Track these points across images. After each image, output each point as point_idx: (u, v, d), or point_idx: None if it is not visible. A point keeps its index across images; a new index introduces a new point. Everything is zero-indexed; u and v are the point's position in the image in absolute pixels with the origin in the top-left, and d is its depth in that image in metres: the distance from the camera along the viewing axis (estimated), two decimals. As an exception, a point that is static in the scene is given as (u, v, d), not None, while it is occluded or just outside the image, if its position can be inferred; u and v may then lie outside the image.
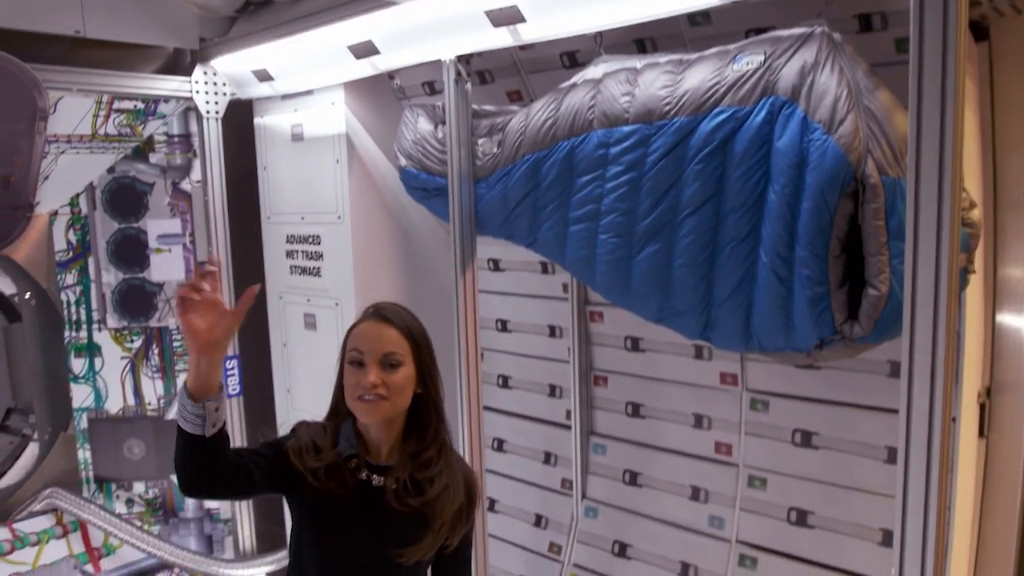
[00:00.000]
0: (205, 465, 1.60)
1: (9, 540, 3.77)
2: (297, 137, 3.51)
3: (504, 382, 3.64)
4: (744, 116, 2.07)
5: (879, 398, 2.48)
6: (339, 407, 1.82)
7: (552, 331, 3.41)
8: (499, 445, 3.65)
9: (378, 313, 1.77)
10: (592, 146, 2.41)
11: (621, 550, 3.14)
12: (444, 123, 2.79)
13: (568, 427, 3.35)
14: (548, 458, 3.47)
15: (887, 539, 2.43)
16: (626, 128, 2.30)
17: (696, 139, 2.16)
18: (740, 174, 2.10)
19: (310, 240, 3.55)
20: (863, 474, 2.53)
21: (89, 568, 3.82)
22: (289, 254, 3.68)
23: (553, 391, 3.45)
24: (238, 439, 3.90)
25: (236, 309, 1.58)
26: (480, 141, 2.77)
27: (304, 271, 3.62)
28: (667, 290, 2.33)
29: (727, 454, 2.87)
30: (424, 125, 2.91)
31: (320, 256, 3.53)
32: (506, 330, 3.60)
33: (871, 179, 1.89)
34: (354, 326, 1.80)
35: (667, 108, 2.21)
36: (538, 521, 3.46)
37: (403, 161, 2.98)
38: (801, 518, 2.67)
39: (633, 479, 3.15)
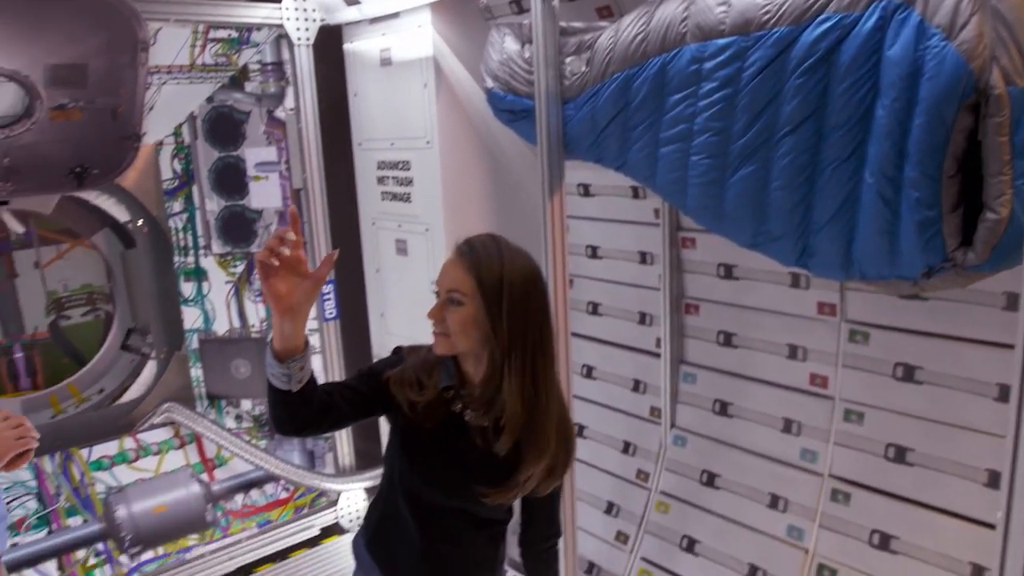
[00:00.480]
0: (294, 415, 1.66)
1: (134, 449, 4.09)
2: (385, 62, 3.48)
3: (594, 309, 3.60)
4: (852, 23, 1.90)
5: (991, 332, 2.31)
6: None
7: (643, 258, 3.33)
8: (588, 372, 3.64)
9: (458, 247, 1.72)
10: (685, 61, 2.28)
11: (709, 479, 3.11)
12: (531, 42, 2.70)
13: (658, 355, 3.30)
14: (637, 386, 3.44)
15: (994, 480, 2.29)
16: (721, 41, 2.16)
17: (797, 50, 2.00)
18: (845, 88, 1.94)
19: (400, 166, 3.56)
20: (970, 411, 2.37)
21: (204, 477, 4.10)
22: (380, 180, 3.71)
23: (643, 319, 3.39)
24: (335, 362, 4.05)
25: (316, 273, 1.55)
26: (568, 60, 2.67)
27: (395, 197, 3.65)
28: (762, 214, 2.22)
29: (822, 386, 2.75)
30: (511, 45, 2.82)
31: (410, 182, 3.55)
32: (596, 256, 3.54)
33: (995, 90, 1.70)
34: None
35: (766, 17, 2.05)
36: (626, 448, 3.46)
37: (489, 83, 2.91)
38: (900, 455, 2.55)
39: (723, 409, 3.09)
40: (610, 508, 3.47)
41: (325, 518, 4.16)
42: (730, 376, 3.08)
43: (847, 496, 2.67)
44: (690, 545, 3.12)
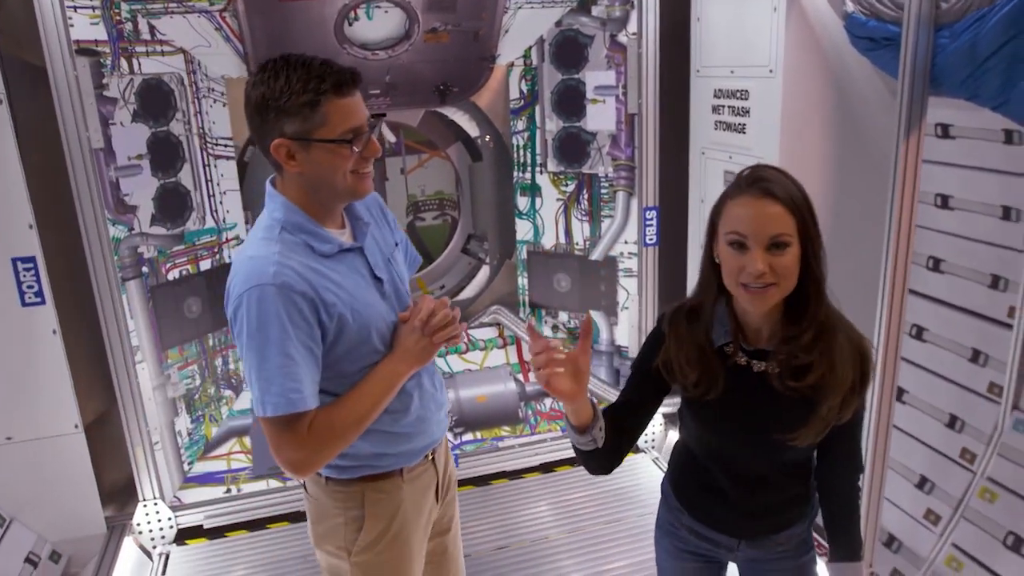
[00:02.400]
0: (603, 464, 1.76)
1: (465, 342, 4.60)
2: (732, -17, 3.36)
3: (934, 265, 3.24)
4: None
5: None
6: (710, 283, 1.70)
7: (1006, 213, 2.90)
8: (918, 333, 3.31)
9: (759, 185, 1.56)
10: (1106, -21, 1.92)
11: (1056, 476, 2.71)
12: (905, -41, 2.43)
13: (1008, 326, 2.89)
14: (976, 357, 3.06)
15: None
16: None
17: None
18: None
19: (737, 95, 3.46)
20: None
21: (520, 377, 4.50)
22: (715, 109, 3.64)
23: (996, 283, 2.98)
24: (649, 287, 4.14)
25: (581, 350, 1.57)
26: (949, -20, 2.36)
27: (728, 127, 3.56)
28: None
29: None
30: (880, -37, 2.57)
31: (746, 112, 3.43)
32: (946, 207, 3.16)
33: None
34: (729, 197, 1.61)
35: None
36: (952, 423, 3.12)
37: (850, 6, 2.69)
38: None
39: (1088, 399, 2.65)
40: (923, 483, 3.18)
41: (625, 434, 4.36)
42: (1103, 363, 2.62)
43: None
44: (1016, 544, 2.76)
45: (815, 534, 2.03)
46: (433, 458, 2.06)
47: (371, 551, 1.93)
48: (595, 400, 1.70)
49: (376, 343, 1.81)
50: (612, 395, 4.33)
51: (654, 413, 1.86)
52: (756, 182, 1.57)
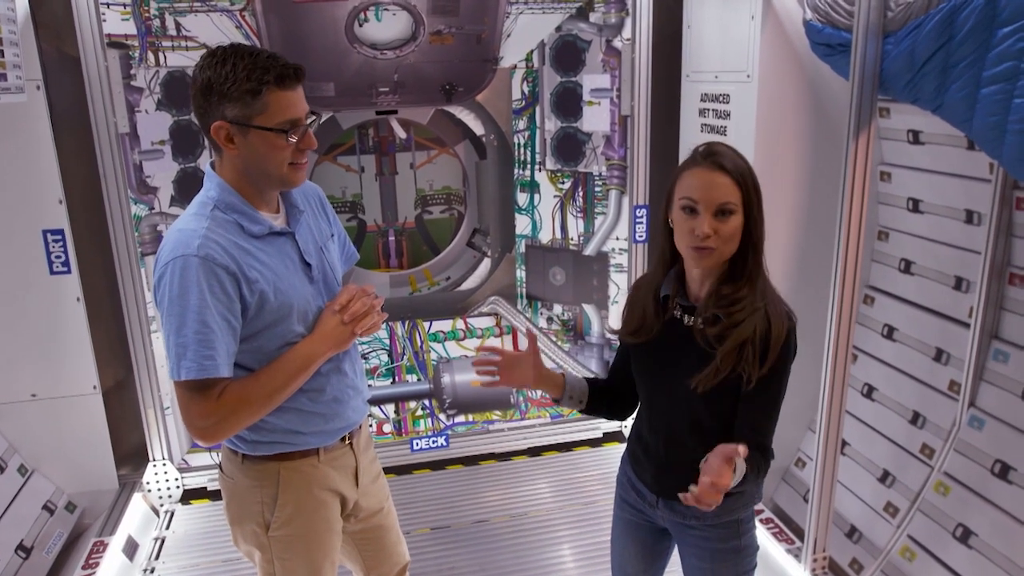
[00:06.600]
0: (601, 414, 2.16)
1: (463, 330, 4.81)
2: (718, -9, 3.52)
3: (906, 267, 3.34)
4: None
5: None
6: (663, 246, 1.90)
7: (969, 216, 3.00)
8: (888, 332, 3.41)
9: (712, 159, 1.77)
10: (1021, -11, 2.04)
11: (1003, 471, 2.78)
12: (856, -30, 2.57)
13: (967, 326, 2.98)
14: (939, 355, 3.15)
15: None
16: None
17: None
18: None
19: (720, 99, 3.61)
20: None
21: (514, 365, 4.68)
22: (701, 112, 3.79)
23: (959, 284, 3.07)
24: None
25: (529, 352, 1.99)
26: (894, -11, 2.49)
27: (712, 129, 3.71)
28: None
29: None
30: (835, -26, 2.71)
31: (727, 115, 3.58)
32: (917, 210, 3.26)
33: None
34: (685, 168, 1.80)
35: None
36: (915, 419, 3.21)
37: (808, 14, 2.83)
38: None
39: (1032, 396, 2.72)
40: (885, 477, 3.27)
41: (610, 424, 4.50)
42: (1048, 361, 2.70)
43: None
44: (964, 535, 2.85)
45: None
46: (351, 443, 2.11)
47: (289, 526, 1.98)
48: (563, 373, 2.08)
49: (296, 323, 1.86)
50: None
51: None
52: (709, 156, 1.78)
